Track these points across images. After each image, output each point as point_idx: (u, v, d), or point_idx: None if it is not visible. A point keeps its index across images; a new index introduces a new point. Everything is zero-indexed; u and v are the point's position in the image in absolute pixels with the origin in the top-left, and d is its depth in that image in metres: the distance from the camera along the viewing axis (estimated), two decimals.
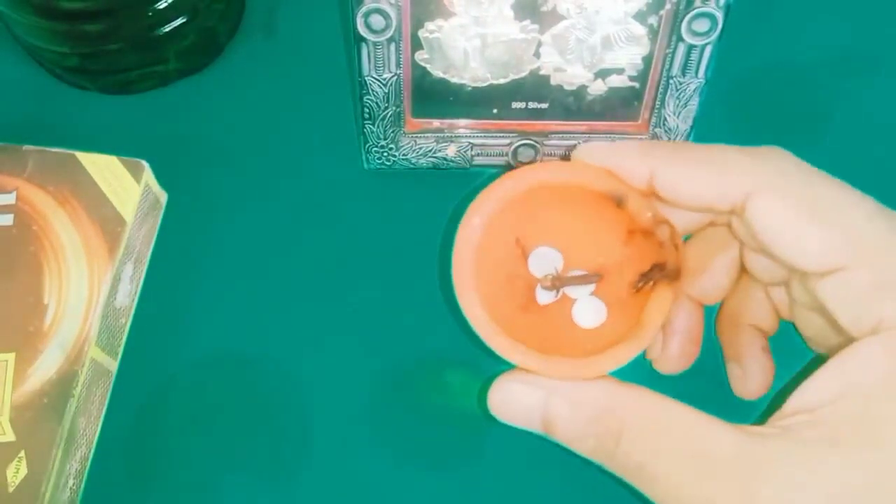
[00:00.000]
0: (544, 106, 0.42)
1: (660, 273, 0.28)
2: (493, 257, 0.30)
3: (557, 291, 0.30)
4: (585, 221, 0.30)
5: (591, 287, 0.30)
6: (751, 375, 0.34)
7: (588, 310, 0.30)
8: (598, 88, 0.41)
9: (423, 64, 0.40)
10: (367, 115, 0.41)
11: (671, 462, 0.25)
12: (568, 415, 0.27)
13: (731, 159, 0.27)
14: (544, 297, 0.31)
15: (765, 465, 0.24)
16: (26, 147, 0.40)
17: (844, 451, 0.23)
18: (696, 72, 0.40)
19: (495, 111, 0.42)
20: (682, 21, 0.38)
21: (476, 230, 0.29)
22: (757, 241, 0.27)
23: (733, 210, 0.27)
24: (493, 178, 0.30)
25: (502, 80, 0.41)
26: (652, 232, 0.29)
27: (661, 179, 0.28)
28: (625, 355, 0.27)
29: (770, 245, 0.26)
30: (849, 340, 0.25)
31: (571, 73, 0.41)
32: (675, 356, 0.34)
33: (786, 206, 0.26)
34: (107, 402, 0.39)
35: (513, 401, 0.28)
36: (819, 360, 0.26)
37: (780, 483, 0.23)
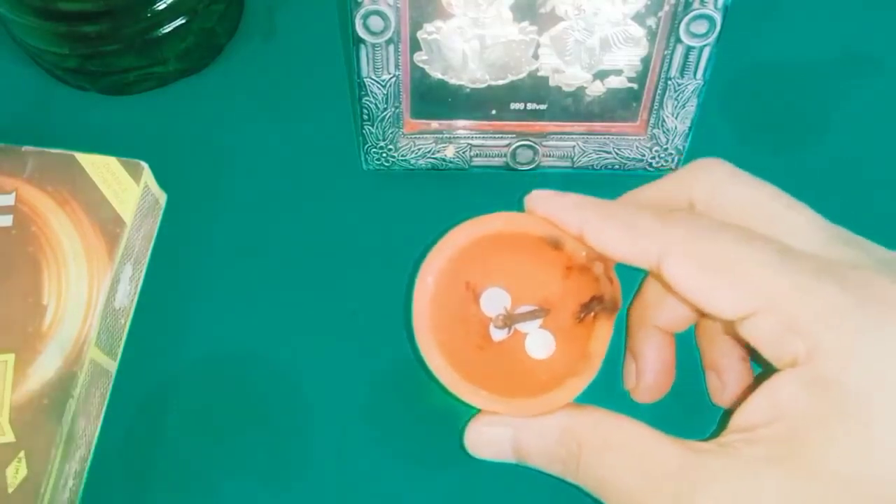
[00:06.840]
0: (543, 107, 0.42)
1: (599, 305, 0.31)
2: (449, 303, 0.32)
3: (509, 328, 0.33)
4: (528, 262, 0.33)
5: (539, 321, 0.33)
6: (728, 385, 0.35)
7: (539, 342, 0.33)
8: (596, 90, 0.41)
9: (421, 65, 0.40)
10: (365, 117, 0.41)
11: (624, 475, 0.28)
12: (536, 445, 0.30)
13: (645, 223, 0.29)
14: (498, 334, 0.33)
15: (704, 477, 0.27)
16: (26, 148, 0.40)
17: (776, 467, 0.26)
18: (695, 73, 0.40)
19: (494, 112, 0.42)
20: (680, 22, 0.38)
21: (429, 286, 0.32)
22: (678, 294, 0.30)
23: (652, 268, 0.30)
24: (442, 233, 0.32)
25: (501, 82, 0.41)
26: (588, 268, 0.31)
27: (589, 236, 0.30)
28: (576, 388, 0.30)
29: (688, 299, 0.29)
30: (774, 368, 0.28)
31: (570, 75, 0.41)
32: (650, 386, 0.36)
33: (693, 266, 0.28)
34: (106, 402, 0.39)
35: (486, 441, 0.31)
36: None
37: (717, 494, 0.26)
